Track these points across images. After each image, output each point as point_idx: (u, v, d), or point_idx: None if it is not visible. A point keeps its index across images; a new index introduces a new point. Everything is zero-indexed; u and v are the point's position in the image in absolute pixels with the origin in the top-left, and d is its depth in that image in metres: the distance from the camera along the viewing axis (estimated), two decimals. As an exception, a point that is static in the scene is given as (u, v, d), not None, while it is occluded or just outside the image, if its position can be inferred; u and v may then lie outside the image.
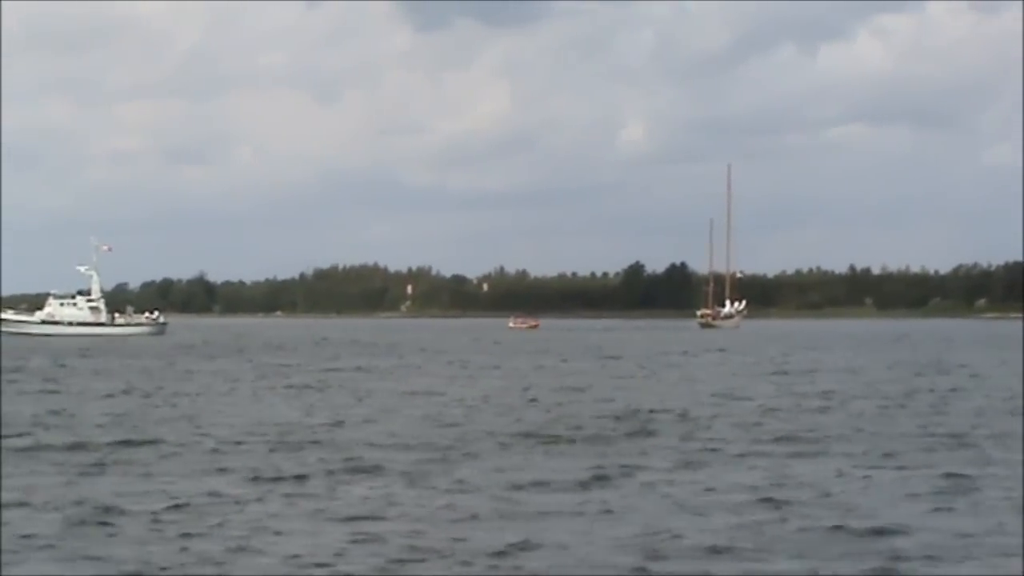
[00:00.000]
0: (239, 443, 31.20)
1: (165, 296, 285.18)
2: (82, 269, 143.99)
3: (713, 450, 29.82)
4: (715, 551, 18.02)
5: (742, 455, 28.95)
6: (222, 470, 26.18)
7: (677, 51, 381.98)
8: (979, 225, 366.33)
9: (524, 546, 18.26)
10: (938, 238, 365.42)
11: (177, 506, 21.59)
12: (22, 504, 21.73)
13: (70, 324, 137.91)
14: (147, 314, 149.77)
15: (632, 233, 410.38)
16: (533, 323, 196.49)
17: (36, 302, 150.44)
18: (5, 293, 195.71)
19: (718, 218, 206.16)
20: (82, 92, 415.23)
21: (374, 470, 25.99)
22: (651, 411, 39.85)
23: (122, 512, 21.01)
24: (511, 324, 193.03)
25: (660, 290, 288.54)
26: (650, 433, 33.76)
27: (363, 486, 23.95)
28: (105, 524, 20.07)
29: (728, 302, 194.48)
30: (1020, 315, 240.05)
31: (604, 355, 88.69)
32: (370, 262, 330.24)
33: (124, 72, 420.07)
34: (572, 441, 31.73)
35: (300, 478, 24.87)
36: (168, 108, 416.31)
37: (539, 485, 23.97)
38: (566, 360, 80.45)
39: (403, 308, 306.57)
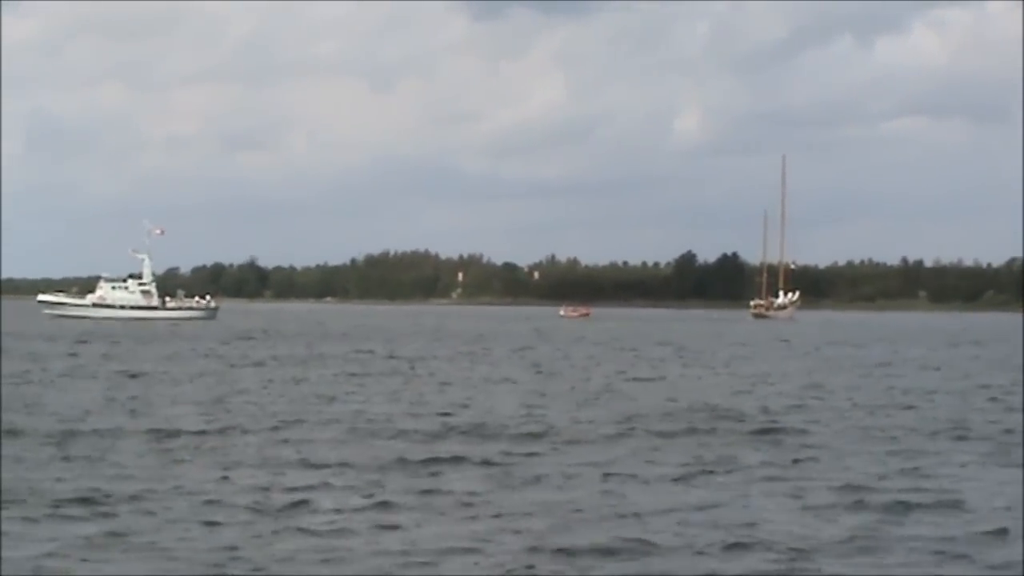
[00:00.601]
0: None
1: (216, 281, 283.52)
2: (135, 253, 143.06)
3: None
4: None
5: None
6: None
7: (733, 43, 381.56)
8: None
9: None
10: (992, 231, 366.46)
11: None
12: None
13: (121, 307, 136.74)
14: (197, 299, 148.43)
15: (684, 223, 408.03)
16: (585, 311, 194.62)
17: (88, 285, 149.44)
18: (57, 276, 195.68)
19: (771, 209, 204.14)
20: (139, 78, 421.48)
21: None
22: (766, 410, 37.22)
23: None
24: (562, 312, 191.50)
25: (711, 280, 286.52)
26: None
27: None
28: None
29: (781, 293, 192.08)
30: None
31: (671, 345, 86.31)
32: (421, 249, 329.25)
33: (181, 58, 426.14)
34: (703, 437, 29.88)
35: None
36: (224, 94, 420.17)
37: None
38: (636, 351, 77.83)
39: (454, 295, 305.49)
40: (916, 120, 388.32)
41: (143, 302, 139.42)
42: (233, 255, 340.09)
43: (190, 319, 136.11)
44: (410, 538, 17.75)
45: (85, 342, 79.21)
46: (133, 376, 48.94)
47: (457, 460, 25.10)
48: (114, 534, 17.61)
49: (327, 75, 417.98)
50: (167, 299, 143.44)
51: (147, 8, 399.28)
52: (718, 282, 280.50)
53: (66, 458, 24.73)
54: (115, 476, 22.54)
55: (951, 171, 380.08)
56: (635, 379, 50.73)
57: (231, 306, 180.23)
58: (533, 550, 16.89)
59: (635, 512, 19.60)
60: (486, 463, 24.83)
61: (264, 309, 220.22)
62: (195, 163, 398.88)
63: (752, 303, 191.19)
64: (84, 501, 19.90)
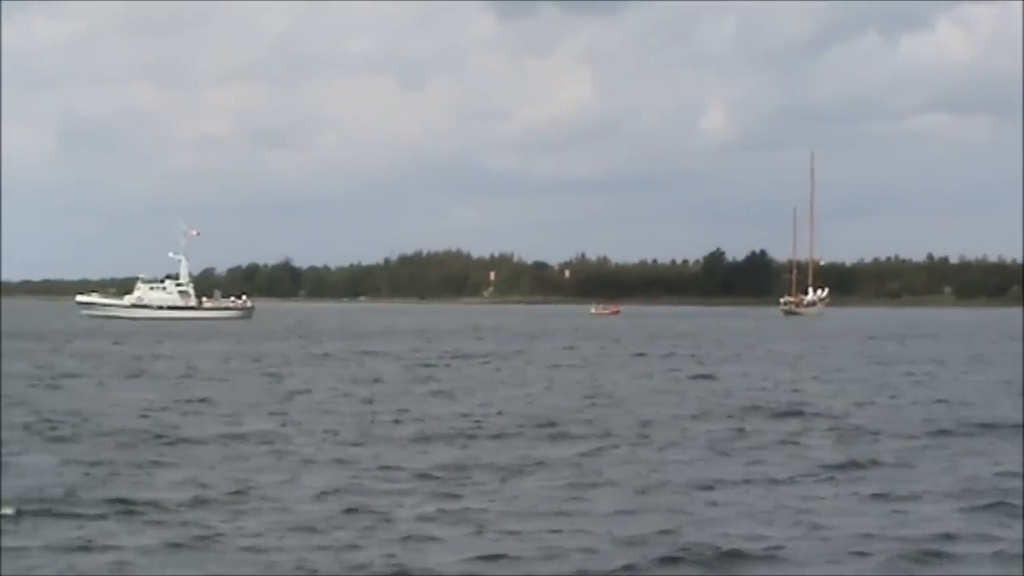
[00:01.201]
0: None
1: (251, 280, 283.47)
2: (171, 254, 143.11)
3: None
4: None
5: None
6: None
7: (759, 39, 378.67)
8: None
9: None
10: (1017, 227, 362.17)
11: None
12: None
13: (159, 308, 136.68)
14: (233, 298, 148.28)
15: (712, 220, 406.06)
16: (615, 309, 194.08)
17: (125, 286, 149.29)
18: (94, 277, 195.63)
19: (799, 206, 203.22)
20: (170, 77, 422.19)
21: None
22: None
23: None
24: (593, 310, 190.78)
25: (740, 277, 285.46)
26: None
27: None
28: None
29: (811, 289, 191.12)
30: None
31: (712, 342, 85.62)
32: (452, 247, 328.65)
33: (212, 57, 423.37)
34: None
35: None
36: (255, 93, 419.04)
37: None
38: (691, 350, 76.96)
39: (485, 294, 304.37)
40: (940, 116, 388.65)
41: (180, 303, 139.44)
42: (266, 254, 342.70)
43: (227, 319, 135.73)
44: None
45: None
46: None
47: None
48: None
49: (357, 73, 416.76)
50: (204, 299, 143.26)
51: (178, 8, 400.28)
52: (746, 279, 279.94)
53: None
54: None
55: (975, 167, 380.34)
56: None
57: (265, 306, 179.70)
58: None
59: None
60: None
61: (299, 309, 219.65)
62: (226, 161, 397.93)
63: (782, 300, 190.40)
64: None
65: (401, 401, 37.28)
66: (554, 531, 17.53)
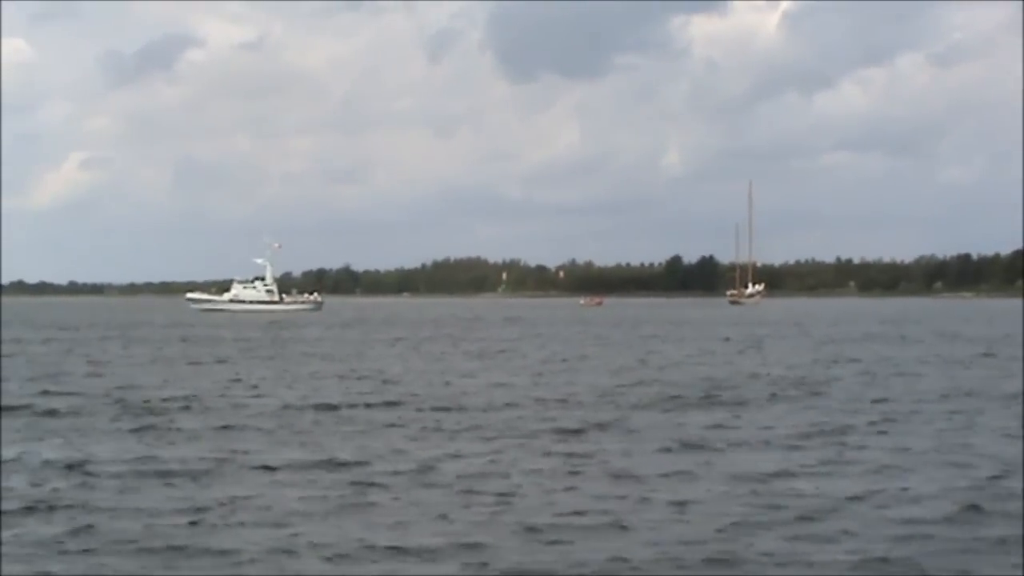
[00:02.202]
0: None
1: (319, 281, 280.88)
2: (259, 261, 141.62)
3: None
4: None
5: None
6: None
7: (707, 97, 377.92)
8: (935, 227, 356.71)
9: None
10: (904, 236, 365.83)
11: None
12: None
13: (251, 303, 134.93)
14: (306, 295, 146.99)
15: (672, 233, 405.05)
16: (598, 301, 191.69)
17: (223, 285, 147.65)
18: (201, 279, 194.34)
19: (740, 222, 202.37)
20: (262, 128, 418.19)
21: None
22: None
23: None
24: (581, 302, 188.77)
25: (693, 276, 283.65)
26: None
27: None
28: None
29: (751, 285, 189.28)
30: (969, 295, 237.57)
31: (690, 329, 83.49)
32: (474, 255, 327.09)
33: (293, 113, 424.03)
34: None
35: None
36: (326, 141, 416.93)
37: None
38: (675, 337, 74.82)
39: (499, 290, 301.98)
40: (845, 154, 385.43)
41: (267, 298, 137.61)
42: (331, 261, 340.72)
43: (303, 311, 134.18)
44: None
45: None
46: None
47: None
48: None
49: (404, 125, 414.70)
50: (284, 296, 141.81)
51: (266, 75, 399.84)
52: (698, 278, 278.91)
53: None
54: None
55: (871, 191, 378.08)
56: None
57: (331, 301, 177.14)
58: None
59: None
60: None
61: (360, 303, 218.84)
62: (304, 193, 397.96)
63: (728, 293, 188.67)
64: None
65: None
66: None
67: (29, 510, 13.88)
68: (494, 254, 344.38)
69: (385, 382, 32.77)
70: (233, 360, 43.71)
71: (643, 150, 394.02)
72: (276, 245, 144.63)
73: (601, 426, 21.98)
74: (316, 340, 62.24)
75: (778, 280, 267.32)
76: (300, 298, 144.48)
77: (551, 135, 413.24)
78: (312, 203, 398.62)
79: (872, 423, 22.62)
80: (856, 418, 23.40)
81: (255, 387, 31.10)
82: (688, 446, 19.23)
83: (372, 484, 15.48)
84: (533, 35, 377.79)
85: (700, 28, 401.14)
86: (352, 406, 25.69)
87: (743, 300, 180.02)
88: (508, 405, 26.03)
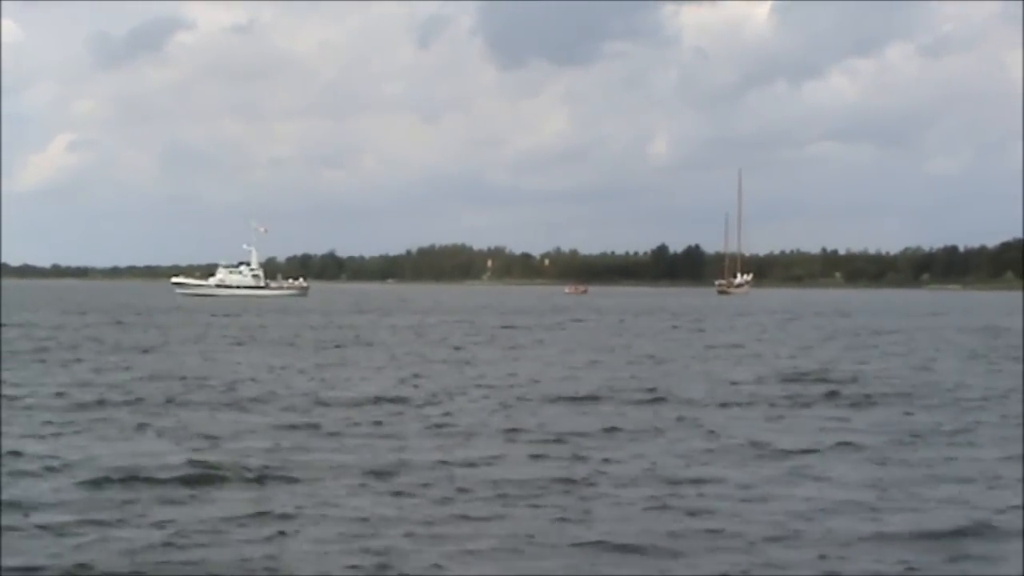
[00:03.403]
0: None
1: (304, 267, 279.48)
2: (246, 246, 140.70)
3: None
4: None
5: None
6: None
7: (696, 85, 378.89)
8: (920, 218, 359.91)
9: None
10: (890, 227, 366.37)
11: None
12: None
13: (237, 287, 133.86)
14: (291, 280, 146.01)
15: (657, 222, 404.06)
16: (583, 289, 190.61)
17: (207, 270, 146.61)
18: (185, 264, 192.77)
19: (730, 212, 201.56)
20: (249, 112, 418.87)
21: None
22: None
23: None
24: (567, 290, 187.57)
25: (679, 265, 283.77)
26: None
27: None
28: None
29: (739, 275, 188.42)
30: (956, 287, 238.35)
31: (687, 321, 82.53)
32: (459, 242, 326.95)
33: (281, 97, 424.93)
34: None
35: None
36: (313, 126, 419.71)
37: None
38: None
39: (484, 278, 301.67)
40: (832, 144, 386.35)
41: (253, 283, 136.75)
42: (316, 246, 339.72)
43: (288, 296, 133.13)
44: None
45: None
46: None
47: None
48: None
49: (390, 110, 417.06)
50: (269, 282, 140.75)
51: (254, 59, 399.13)
52: (684, 267, 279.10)
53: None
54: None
55: (858, 182, 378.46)
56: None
57: (316, 286, 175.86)
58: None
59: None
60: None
61: (344, 288, 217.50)
62: (290, 178, 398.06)
63: (717, 283, 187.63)
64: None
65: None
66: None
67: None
68: (479, 241, 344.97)
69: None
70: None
71: (631, 138, 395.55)
72: (263, 229, 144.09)
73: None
74: (368, 327, 60.71)
75: (764, 270, 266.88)
76: (285, 283, 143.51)
77: (539, 122, 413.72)
78: (298, 188, 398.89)
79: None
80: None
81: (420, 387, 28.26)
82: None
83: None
84: (524, 21, 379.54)
85: (690, 16, 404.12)
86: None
87: (731, 290, 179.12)
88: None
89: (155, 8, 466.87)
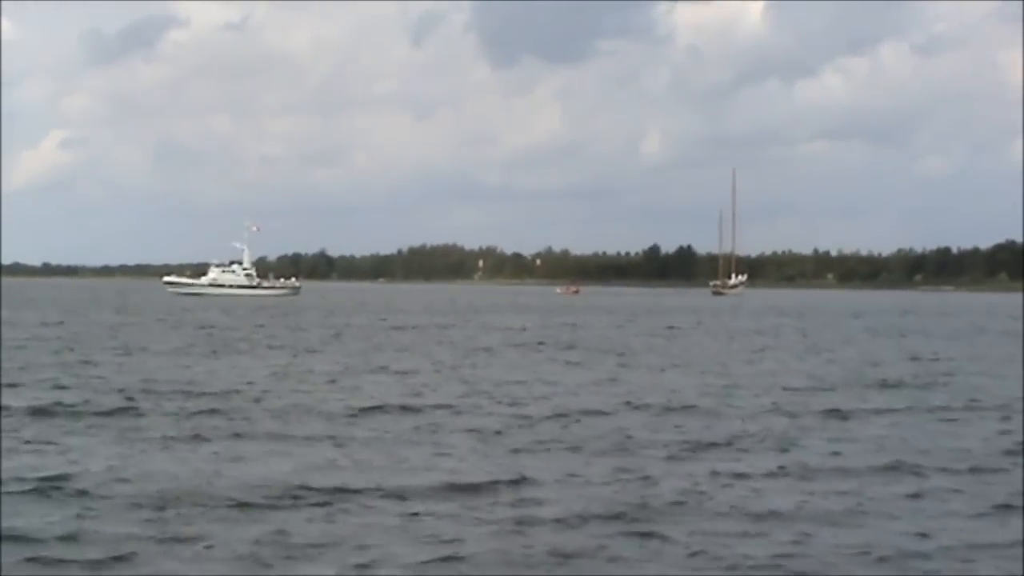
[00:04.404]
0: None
1: (295, 266, 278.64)
2: (237, 245, 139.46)
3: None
4: None
5: None
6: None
7: (688, 83, 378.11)
8: (913, 218, 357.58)
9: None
10: (881, 227, 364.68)
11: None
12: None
13: (229, 287, 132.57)
14: (283, 279, 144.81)
15: (649, 221, 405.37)
16: (575, 290, 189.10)
17: (198, 269, 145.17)
18: (175, 262, 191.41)
19: (724, 210, 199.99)
20: (240, 109, 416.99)
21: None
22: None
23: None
24: (559, 291, 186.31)
25: (672, 266, 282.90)
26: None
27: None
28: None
29: (733, 275, 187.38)
30: (950, 288, 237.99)
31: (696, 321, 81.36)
32: (451, 241, 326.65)
33: (272, 94, 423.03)
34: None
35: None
36: (304, 123, 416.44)
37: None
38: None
39: (475, 277, 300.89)
40: (824, 143, 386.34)
41: (245, 282, 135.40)
42: (306, 245, 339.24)
43: (281, 295, 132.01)
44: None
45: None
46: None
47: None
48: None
49: (382, 108, 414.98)
50: (261, 281, 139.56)
51: (249, 55, 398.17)
52: (676, 267, 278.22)
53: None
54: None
55: (850, 182, 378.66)
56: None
57: (307, 286, 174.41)
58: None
59: None
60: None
61: (336, 288, 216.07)
62: (281, 176, 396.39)
63: (712, 283, 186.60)
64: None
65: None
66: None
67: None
68: (470, 240, 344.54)
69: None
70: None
71: (623, 137, 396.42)
72: (255, 228, 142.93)
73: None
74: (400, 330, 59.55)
75: (755, 270, 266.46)
76: (278, 283, 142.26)
77: (531, 120, 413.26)
78: (288, 186, 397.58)
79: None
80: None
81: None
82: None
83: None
84: (517, 19, 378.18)
85: (685, 15, 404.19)
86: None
87: (726, 290, 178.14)
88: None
89: (149, 5, 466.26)
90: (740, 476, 15.37)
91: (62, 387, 26.02)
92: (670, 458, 16.98)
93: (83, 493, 13.74)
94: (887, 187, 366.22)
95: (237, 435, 18.63)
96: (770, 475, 15.55)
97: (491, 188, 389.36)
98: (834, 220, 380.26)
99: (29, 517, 12.45)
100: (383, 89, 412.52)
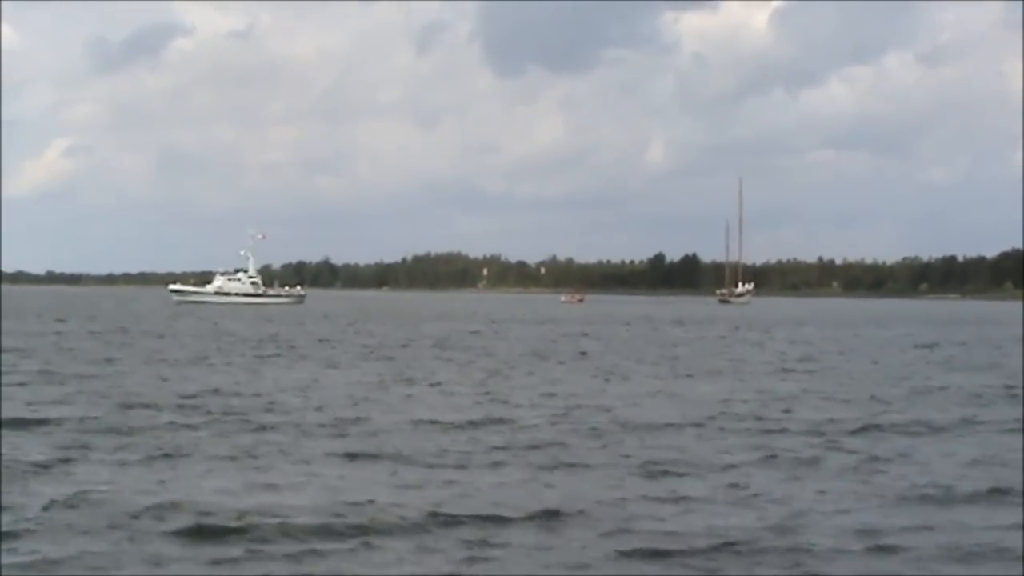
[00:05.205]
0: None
1: (299, 274, 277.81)
2: (242, 253, 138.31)
3: None
4: None
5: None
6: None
7: (693, 92, 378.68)
8: (918, 227, 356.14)
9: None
10: (886, 236, 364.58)
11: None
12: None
13: (235, 295, 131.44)
14: (287, 288, 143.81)
15: (653, 230, 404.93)
16: (580, 298, 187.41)
17: (202, 277, 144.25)
18: (179, 270, 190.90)
19: (730, 219, 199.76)
20: (244, 117, 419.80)
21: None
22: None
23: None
24: (563, 299, 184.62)
25: (677, 274, 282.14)
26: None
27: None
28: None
29: (740, 284, 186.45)
30: (955, 296, 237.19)
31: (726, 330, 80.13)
32: (455, 250, 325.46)
33: (276, 102, 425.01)
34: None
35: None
36: (308, 131, 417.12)
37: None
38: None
39: (480, 286, 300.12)
40: (829, 152, 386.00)
41: (251, 291, 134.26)
42: (311, 254, 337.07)
43: (286, 304, 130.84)
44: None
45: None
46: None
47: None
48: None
49: (385, 116, 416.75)
50: (267, 289, 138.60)
51: (254, 63, 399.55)
52: (681, 276, 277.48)
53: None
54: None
55: (854, 190, 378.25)
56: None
57: (311, 294, 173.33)
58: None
59: None
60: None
61: (341, 296, 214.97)
62: (284, 184, 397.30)
63: (718, 292, 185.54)
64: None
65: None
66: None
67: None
68: (473, 248, 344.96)
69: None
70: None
71: (625, 145, 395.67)
72: (260, 236, 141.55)
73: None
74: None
75: (760, 279, 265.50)
76: (283, 291, 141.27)
77: (535, 129, 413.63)
78: (292, 194, 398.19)
79: None
80: None
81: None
82: None
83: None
84: (523, 28, 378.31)
85: (690, 23, 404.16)
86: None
87: (733, 299, 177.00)
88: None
89: (153, 14, 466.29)
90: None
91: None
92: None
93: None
94: (891, 195, 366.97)
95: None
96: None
97: (495, 196, 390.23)
98: (838, 228, 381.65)
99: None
100: (387, 97, 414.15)
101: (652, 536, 12.25)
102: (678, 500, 14.14)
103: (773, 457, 17.55)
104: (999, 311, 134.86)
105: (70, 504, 13.24)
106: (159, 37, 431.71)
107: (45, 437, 18.67)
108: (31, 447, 17.43)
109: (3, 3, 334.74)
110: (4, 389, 25.97)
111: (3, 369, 31.66)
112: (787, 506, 13.83)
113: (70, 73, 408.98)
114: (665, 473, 16.01)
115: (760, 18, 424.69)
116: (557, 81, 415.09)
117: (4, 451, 16.71)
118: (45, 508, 13.07)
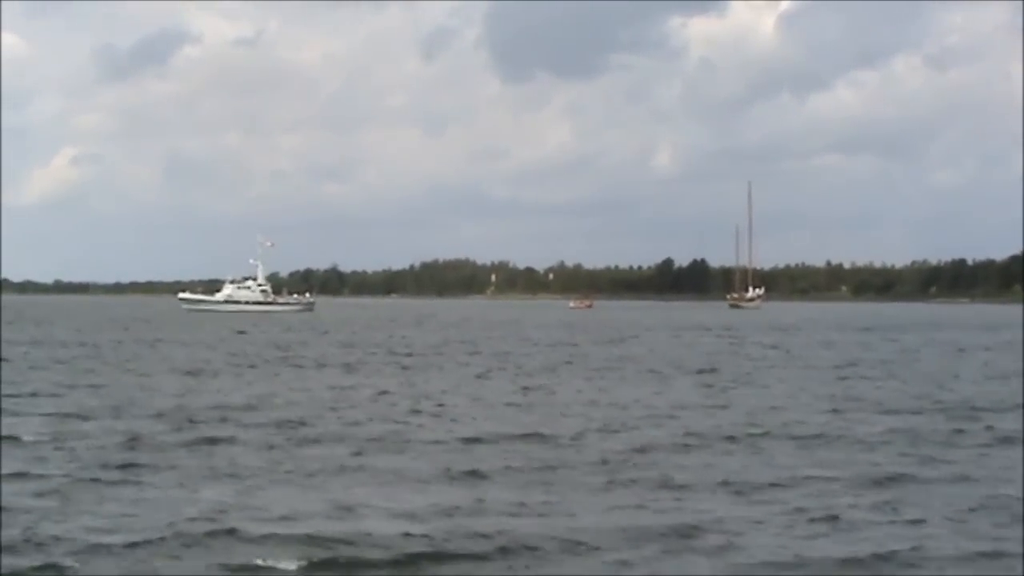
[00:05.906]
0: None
1: (307, 281, 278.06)
2: (252, 261, 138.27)
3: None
4: None
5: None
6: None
7: (700, 97, 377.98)
8: (926, 230, 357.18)
9: None
10: (894, 240, 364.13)
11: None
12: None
13: (245, 303, 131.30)
14: (296, 295, 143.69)
15: (661, 235, 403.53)
16: (588, 303, 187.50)
17: (209, 285, 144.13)
18: (187, 278, 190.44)
19: (740, 224, 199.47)
20: (251, 124, 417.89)
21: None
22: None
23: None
24: (572, 305, 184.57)
25: (685, 279, 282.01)
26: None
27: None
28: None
29: (751, 288, 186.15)
30: (965, 300, 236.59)
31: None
32: (463, 256, 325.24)
33: (283, 109, 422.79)
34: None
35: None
36: (315, 138, 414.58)
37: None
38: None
39: (488, 292, 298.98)
40: (836, 156, 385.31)
41: (261, 298, 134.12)
42: (318, 261, 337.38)
43: (295, 311, 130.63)
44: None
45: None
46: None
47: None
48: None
49: (393, 123, 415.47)
50: (276, 297, 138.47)
51: (261, 70, 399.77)
52: (689, 281, 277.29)
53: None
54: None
55: (862, 194, 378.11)
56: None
57: (320, 301, 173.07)
58: None
59: None
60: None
61: (351, 304, 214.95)
62: (292, 191, 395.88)
63: (729, 296, 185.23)
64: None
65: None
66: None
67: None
68: (481, 254, 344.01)
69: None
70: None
71: (633, 150, 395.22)
72: (269, 243, 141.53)
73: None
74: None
75: (768, 283, 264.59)
76: (291, 299, 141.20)
77: (542, 134, 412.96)
78: (299, 201, 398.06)
79: None
80: None
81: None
82: None
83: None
84: (530, 34, 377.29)
85: (698, 28, 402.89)
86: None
87: (743, 304, 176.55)
88: None
89: (161, 21, 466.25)
90: None
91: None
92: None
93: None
94: (899, 199, 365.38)
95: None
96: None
97: (502, 202, 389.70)
98: (846, 232, 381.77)
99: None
100: (394, 104, 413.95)
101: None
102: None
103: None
104: (1010, 315, 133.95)
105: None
106: (167, 45, 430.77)
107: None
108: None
109: (11, 11, 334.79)
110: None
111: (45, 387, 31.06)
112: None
113: (77, 81, 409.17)
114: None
115: (767, 22, 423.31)
116: (564, 87, 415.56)
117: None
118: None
